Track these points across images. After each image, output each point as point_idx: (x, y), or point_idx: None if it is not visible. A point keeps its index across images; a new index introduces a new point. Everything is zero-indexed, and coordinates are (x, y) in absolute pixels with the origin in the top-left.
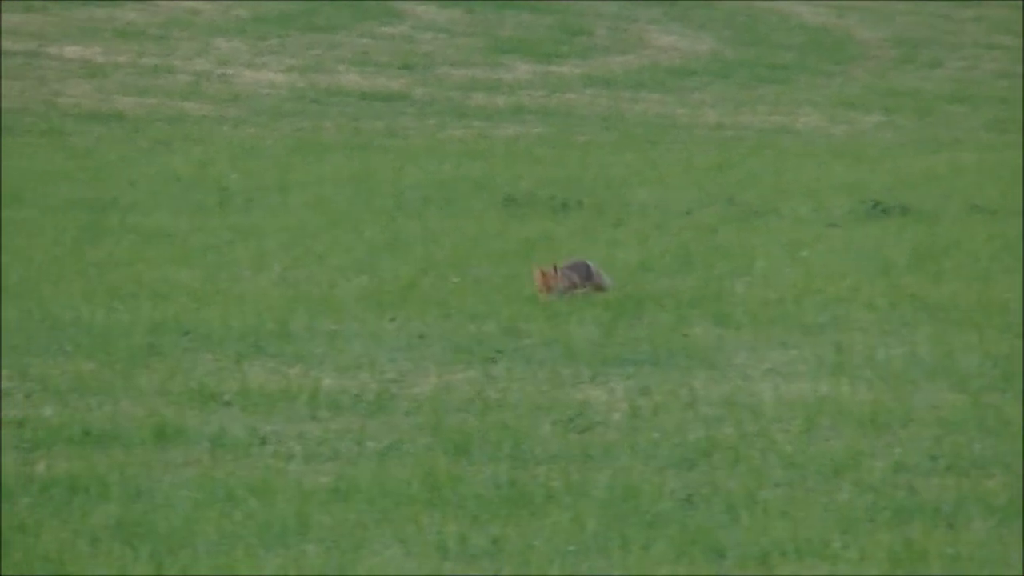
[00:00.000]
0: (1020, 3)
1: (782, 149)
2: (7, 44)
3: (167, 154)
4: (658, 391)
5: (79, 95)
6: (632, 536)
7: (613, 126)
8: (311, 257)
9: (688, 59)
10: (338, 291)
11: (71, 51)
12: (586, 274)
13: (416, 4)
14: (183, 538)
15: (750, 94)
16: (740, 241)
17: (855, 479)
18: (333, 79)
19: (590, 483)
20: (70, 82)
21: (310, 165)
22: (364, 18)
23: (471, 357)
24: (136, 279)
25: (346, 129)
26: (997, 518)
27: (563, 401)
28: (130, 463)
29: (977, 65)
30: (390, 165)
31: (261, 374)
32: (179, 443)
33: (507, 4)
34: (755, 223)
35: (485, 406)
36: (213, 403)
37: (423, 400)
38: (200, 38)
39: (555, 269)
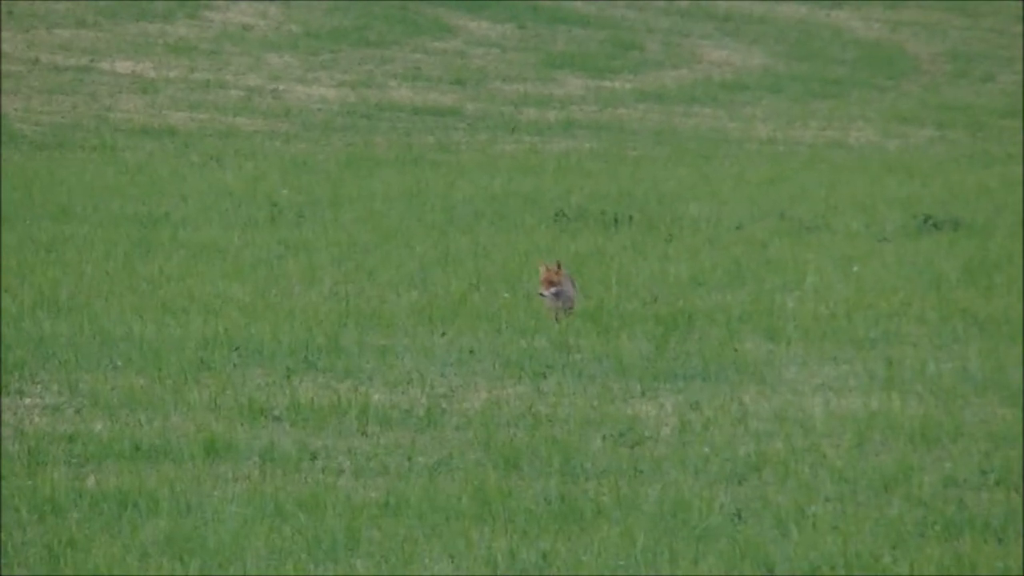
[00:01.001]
0: None
1: (834, 164)
2: (59, 59)
3: (218, 169)
4: (708, 406)
5: (131, 110)
6: (682, 550)
7: (665, 140)
8: (362, 272)
9: (740, 74)
10: (389, 306)
11: (123, 66)
12: (574, 289)
13: (468, 19)
14: (233, 553)
15: (803, 109)
16: (792, 255)
17: (905, 493)
18: (385, 94)
19: (640, 497)
20: (122, 97)
21: (361, 180)
22: (416, 33)
23: (522, 372)
24: (187, 294)
25: (398, 144)
26: None
27: (613, 416)
28: (180, 478)
29: None
30: (441, 180)
31: (311, 389)
32: (229, 458)
33: (559, 19)
34: (807, 238)
35: (535, 421)
36: (263, 418)
37: (473, 415)
38: (252, 53)
39: (559, 267)
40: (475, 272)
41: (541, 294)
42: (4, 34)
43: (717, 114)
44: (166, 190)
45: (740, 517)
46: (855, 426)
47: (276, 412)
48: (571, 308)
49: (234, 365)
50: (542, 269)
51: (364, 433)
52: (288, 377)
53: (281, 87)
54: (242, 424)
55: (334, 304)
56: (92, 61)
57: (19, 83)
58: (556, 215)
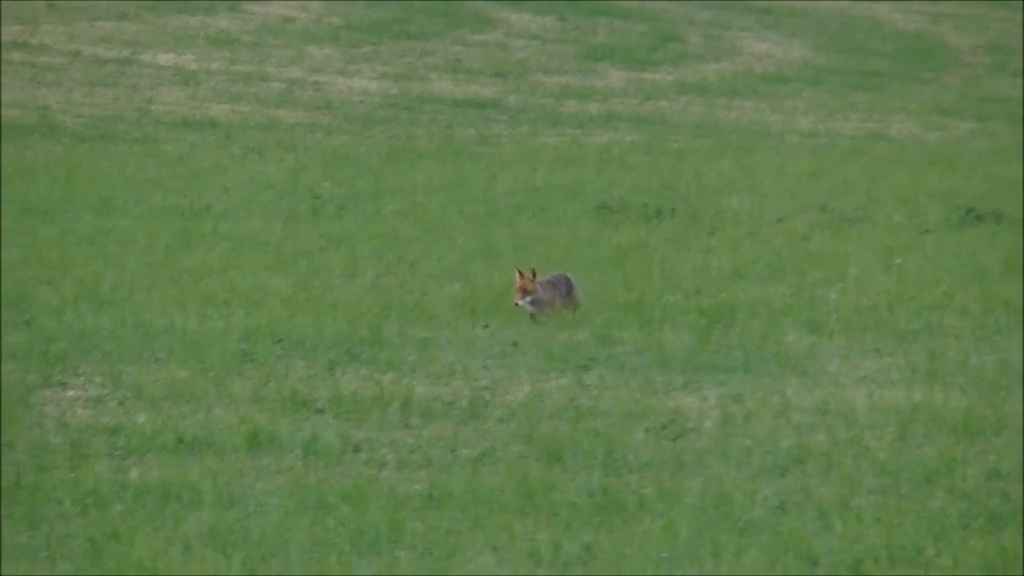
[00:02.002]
0: None
1: (875, 156)
2: (100, 51)
3: (260, 161)
4: (750, 398)
5: (172, 102)
6: (724, 543)
7: (706, 133)
8: (403, 264)
9: (781, 66)
10: (431, 298)
11: (164, 58)
12: (566, 289)
13: (509, 12)
14: (276, 545)
15: (843, 101)
16: (833, 248)
17: (948, 486)
18: (426, 86)
19: (682, 490)
20: (163, 89)
21: (403, 172)
22: (457, 25)
23: (564, 365)
24: (229, 286)
25: (439, 137)
26: None
27: (656, 408)
28: (223, 470)
29: None
30: (483, 172)
31: (354, 381)
32: (272, 450)
33: (600, 11)
34: (848, 230)
35: (578, 413)
36: (306, 410)
37: (516, 408)
38: (293, 46)
39: (533, 275)
40: (517, 264)
41: (516, 303)
42: (45, 27)
43: (758, 106)
44: (208, 182)
45: (783, 509)
46: (898, 418)
47: (319, 404)
48: (566, 307)
49: (277, 357)
50: (516, 278)
51: (407, 425)
52: (331, 369)
53: (322, 79)
54: (285, 416)
55: (376, 296)
56: (134, 53)
57: (61, 76)
58: (598, 208)
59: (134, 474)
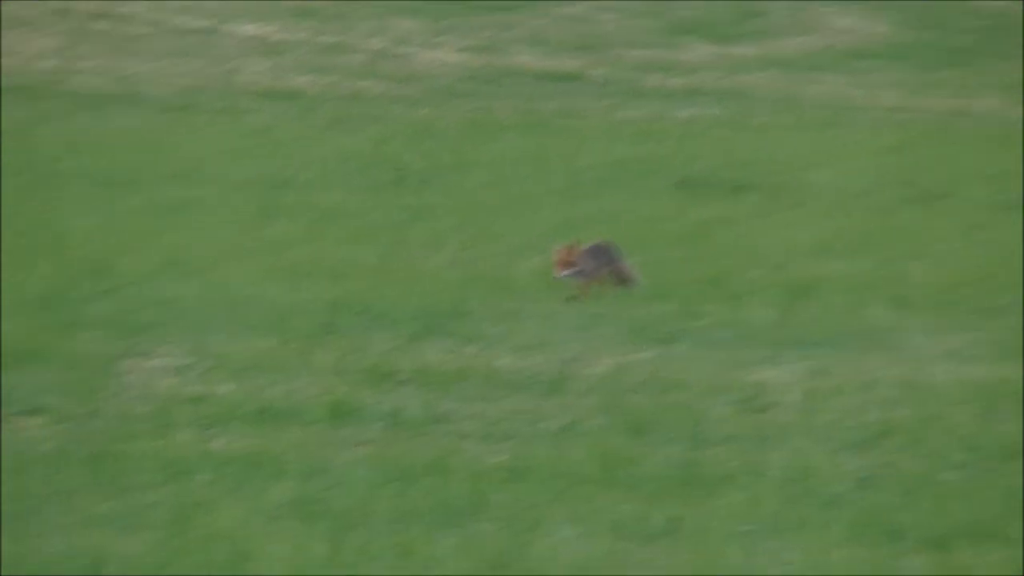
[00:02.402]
0: None
1: (959, 132)
2: (185, 21)
3: (343, 133)
4: (835, 373)
5: (256, 73)
6: (808, 517)
7: (789, 108)
8: (487, 237)
9: (865, 41)
10: (514, 271)
11: (248, 29)
12: (607, 259)
13: None
14: (359, 516)
15: (927, 77)
16: (917, 223)
17: None
18: (509, 59)
19: (766, 464)
20: (247, 60)
21: (485, 145)
22: None
23: (648, 338)
24: (313, 258)
25: (521, 109)
26: None
27: (739, 382)
28: (306, 441)
29: None
30: (565, 146)
31: (437, 353)
32: (355, 421)
33: None
34: (932, 205)
35: (661, 387)
36: (389, 382)
37: (599, 381)
38: (377, 17)
39: (576, 244)
40: (600, 238)
41: (557, 277)
42: None
43: (842, 81)
44: (291, 153)
45: (867, 484)
46: (982, 394)
47: (402, 376)
48: (616, 280)
49: (360, 328)
50: (554, 253)
51: (490, 398)
52: (414, 341)
53: (406, 51)
54: (368, 388)
55: (459, 268)
56: (218, 24)
57: (145, 45)
58: (680, 182)
59: (218, 444)
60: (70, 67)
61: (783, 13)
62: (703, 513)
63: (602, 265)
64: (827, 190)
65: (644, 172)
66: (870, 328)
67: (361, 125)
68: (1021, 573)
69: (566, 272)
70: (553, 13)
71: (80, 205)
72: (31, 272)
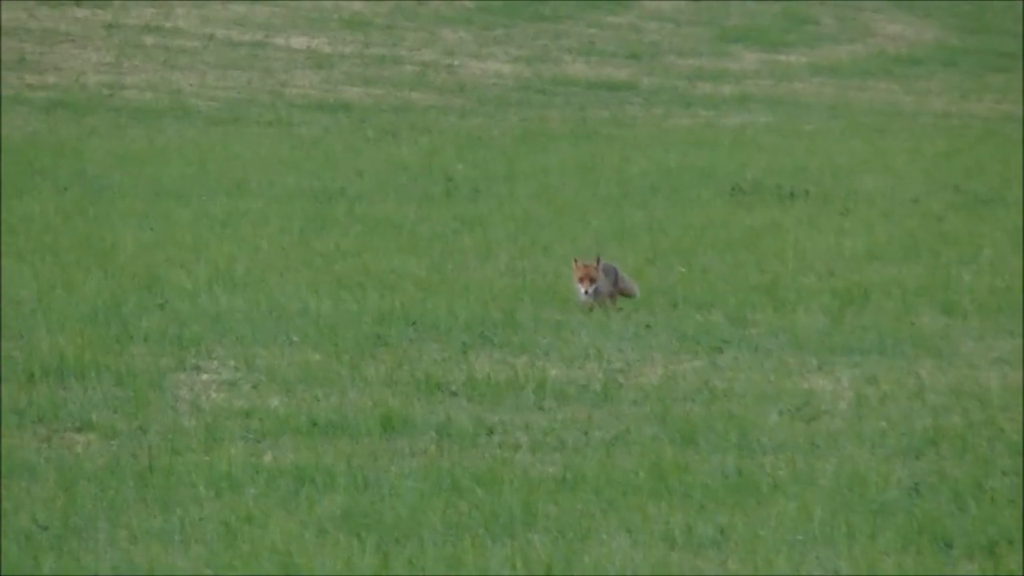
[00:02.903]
0: None
1: (1009, 137)
2: (234, 34)
3: (393, 144)
4: (885, 380)
5: (306, 85)
6: (859, 525)
7: (839, 114)
8: (537, 247)
9: (914, 47)
10: (564, 281)
11: (298, 41)
12: (615, 279)
13: None
14: (410, 528)
15: (977, 82)
16: (967, 229)
17: None
18: (559, 69)
19: (816, 472)
20: (297, 72)
21: (536, 155)
22: (591, 7)
23: (698, 347)
24: (363, 269)
25: (572, 119)
26: None
27: (790, 390)
28: (357, 453)
29: None
30: (616, 154)
31: (487, 364)
32: (406, 433)
33: None
34: (982, 211)
35: (712, 395)
36: (439, 393)
37: (650, 390)
38: (426, 28)
39: (598, 262)
40: (650, 246)
41: (585, 293)
42: (179, 10)
43: (891, 88)
44: (341, 165)
45: (917, 491)
46: None
47: (453, 387)
48: (619, 294)
49: (410, 340)
50: (574, 266)
51: (541, 408)
52: (464, 352)
53: (455, 62)
54: (419, 399)
55: (510, 279)
56: (267, 36)
57: (194, 59)
58: (731, 189)
59: (268, 457)
60: (120, 81)
61: (833, 20)
62: (753, 522)
63: (611, 284)
64: (877, 196)
65: (695, 180)
66: (920, 335)
67: (412, 136)
68: None
69: (591, 288)
70: (604, 22)
71: (130, 219)
72: (82, 286)
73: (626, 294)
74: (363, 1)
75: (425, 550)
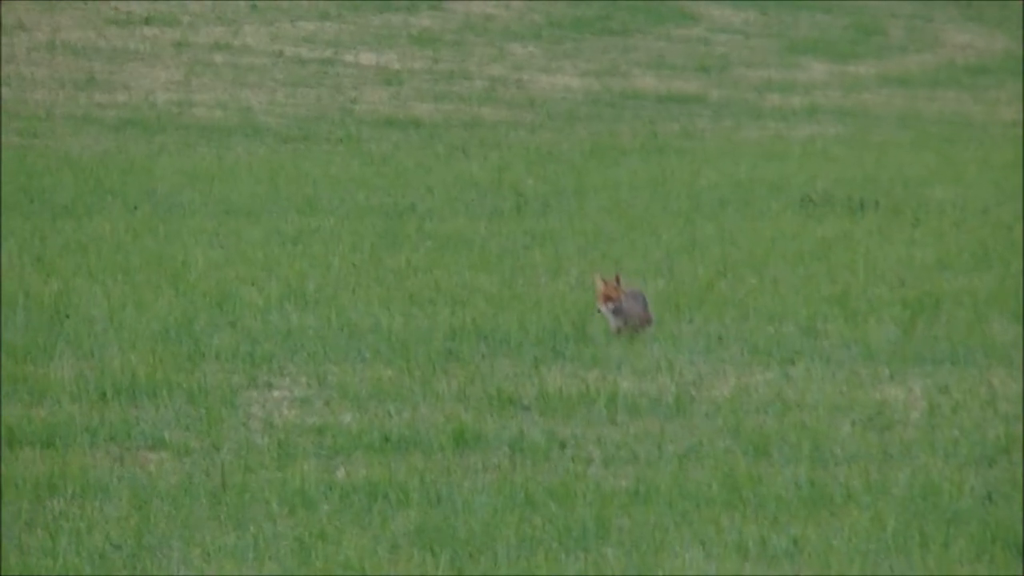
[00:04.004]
0: None
1: None
2: (303, 52)
3: (463, 160)
4: (957, 389)
5: (375, 101)
6: (932, 534)
7: (909, 125)
8: (608, 261)
9: (984, 57)
10: None
11: (367, 58)
12: (643, 306)
13: (711, 6)
14: (483, 543)
15: None
16: None
17: None
18: (628, 82)
19: (890, 482)
20: (366, 89)
21: (606, 169)
22: (659, 21)
23: (769, 358)
24: (434, 285)
25: (642, 132)
26: None
27: (862, 401)
28: (430, 469)
29: None
30: (686, 167)
31: (559, 378)
32: (478, 448)
33: (802, 5)
34: None
35: (784, 407)
36: (512, 407)
37: (722, 402)
38: (495, 43)
39: (617, 281)
40: (721, 259)
41: (598, 310)
42: (248, 27)
43: (961, 98)
44: (412, 181)
45: (991, 500)
46: None
47: (525, 401)
48: (641, 326)
49: (482, 355)
50: (598, 282)
51: (613, 422)
52: (536, 367)
53: (525, 77)
54: (491, 414)
55: (580, 293)
56: (336, 53)
57: (264, 76)
58: (802, 201)
59: (341, 473)
60: (189, 99)
61: (902, 31)
62: (827, 532)
63: (636, 311)
64: (947, 206)
65: (765, 191)
66: (991, 343)
67: (481, 152)
68: None
69: (608, 306)
70: (673, 35)
71: (201, 236)
72: (153, 304)
73: (648, 324)
74: (432, 17)
75: (499, 565)
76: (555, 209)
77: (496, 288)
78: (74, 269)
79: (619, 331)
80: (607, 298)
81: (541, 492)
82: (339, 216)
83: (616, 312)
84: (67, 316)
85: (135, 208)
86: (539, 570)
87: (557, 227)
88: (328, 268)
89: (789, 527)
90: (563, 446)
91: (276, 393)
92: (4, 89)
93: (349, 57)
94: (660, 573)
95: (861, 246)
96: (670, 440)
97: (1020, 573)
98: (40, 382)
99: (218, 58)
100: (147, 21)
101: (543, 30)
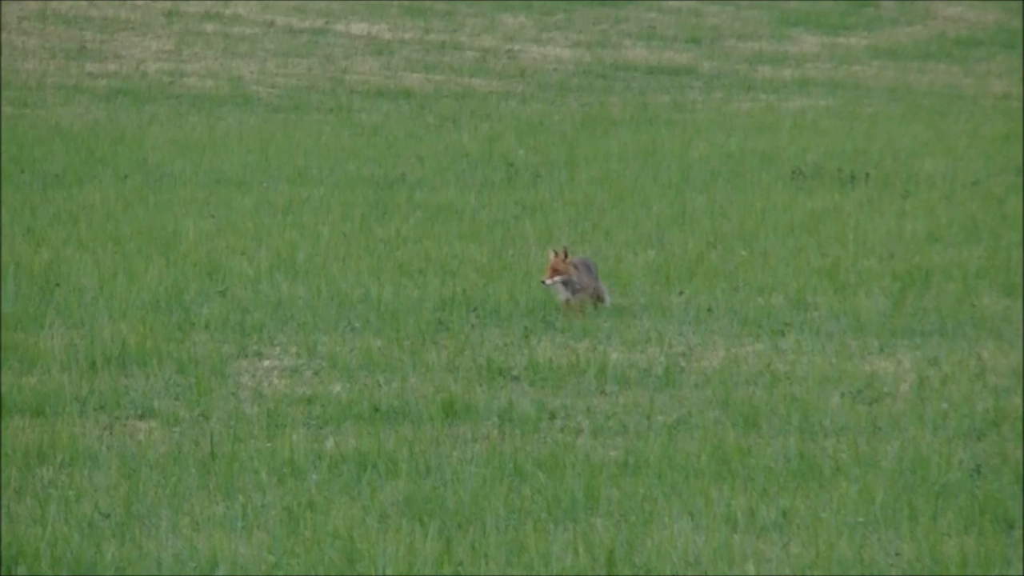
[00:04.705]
0: None
1: None
2: (294, 22)
3: (454, 130)
4: (946, 362)
5: (366, 72)
6: (921, 507)
7: (900, 97)
8: (598, 232)
9: (975, 29)
10: (625, 265)
11: (358, 28)
12: (592, 276)
13: None
14: (472, 513)
15: None
16: None
17: None
18: (619, 53)
19: (878, 454)
20: (357, 59)
21: (597, 140)
22: None
23: (759, 330)
24: (424, 255)
25: (633, 104)
26: None
27: (851, 373)
28: (419, 439)
29: None
30: (677, 139)
31: (549, 349)
32: (468, 419)
33: None
34: None
35: (773, 379)
36: (501, 378)
37: (712, 373)
38: (486, 14)
39: (566, 254)
40: (712, 230)
41: (543, 282)
42: None
43: (952, 70)
44: (402, 151)
45: (979, 472)
46: None
47: (514, 372)
48: (596, 297)
49: (472, 326)
50: (550, 255)
51: (603, 392)
52: (526, 337)
53: (516, 48)
54: (480, 384)
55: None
56: (327, 23)
57: (254, 46)
58: (792, 173)
59: (330, 443)
60: (180, 69)
61: (893, 3)
62: (816, 504)
63: (588, 282)
64: (937, 179)
65: (756, 164)
66: (982, 316)
67: (472, 122)
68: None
69: (554, 279)
70: (664, 7)
71: (191, 206)
72: (143, 274)
73: (600, 298)
74: None
75: (487, 535)
76: (545, 180)
77: (486, 258)
78: (65, 239)
79: (567, 302)
80: (554, 271)
81: (530, 463)
82: (329, 186)
83: (566, 284)
84: (57, 285)
85: (126, 178)
86: (528, 540)
87: (547, 198)
88: (318, 238)
89: (778, 499)
90: (552, 417)
91: (266, 363)
92: None
93: (340, 27)
94: (649, 544)
95: (851, 218)
96: (659, 411)
97: (1008, 545)
98: (30, 351)
99: (209, 28)
100: None
101: (534, 1)
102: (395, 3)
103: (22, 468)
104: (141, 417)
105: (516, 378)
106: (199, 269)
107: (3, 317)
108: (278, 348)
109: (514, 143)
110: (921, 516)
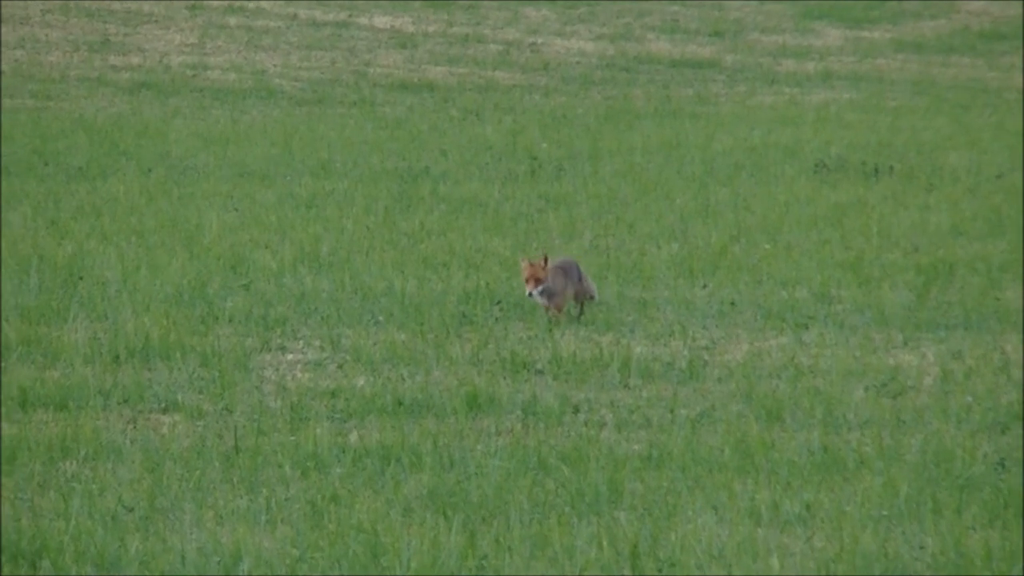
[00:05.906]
0: None
1: None
2: (317, 15)
3: (477, 123)
4: (970, 355)
5: (389, 65)
6: (944, 500)
7: (923, 91)
8: (622, 225)
9: (998, 23)
10: (649, 259)
11: (381, 21)
12: (577, 276)
13: None
14: (496, 507)
15: None
16: None
17: None
18: (643, 47)
19: (902, 448)
20: (380, 52)
21: (620, 133)
22: None
23: (783, 324)
24: (448, 248)
25: (656, 97)
26: None
27: (875, 366)
28: (442, 432)
29: None
30: (700, 132)
31: (572, 342)
32: (491, 412)
33: None
34: None
35: (797, 372)
36: (525, 372)
37: (735, 367)
38: (510, 7)
39: (545, 261)
40: (735, 224)
41: (530, 294)
42: None
43: (975, 63)
44: (426, 145)
45: (1003, 466)
46: None
47: (538, 366)
48: (586, 295)
49: (495, 319)
50: (524, 264)
51: (626, 386)
52: (549, 330)
53: (539, 41)
54: (504, 378)
55: (595, 257)
56: (350, 16)
57: (278, 39)
58: (816, 166)
59: (354, 437)
60: (203, 62)
61: None
62: (839, 498)
63: (568, 285)
64: (961, 172)
65: (779, 157)
66: (1005, 310)
67: (495, 115)
68: None
69: (538, 289)
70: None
71: (215, 199)
72: (167, 267)
73: (587, 296)
74: None
75: (511, 528)
76: (569, 173)
77: (510, 252)
78: (88, 232)
79: (547, 310)
80: (535, 280)
81: (554, 456)
82: (353, 179)
83: (545, 293)
84: (80, 278)
85: (149, 171)
86: (551, 533)
87: (571, 191)
88: (342, 231)
89: (802, 492)
90: (576, 410)
91: (289, 356)
92: (18, 52)
93: (363, 20)
94: (672, 537)
95: (875, 212)
96: (683, 405)
97: None
98: (53, 344)
99: (232, 21)
100: None
101: None
102: None
103: (45, 462)
104: (165, 411)
105: (540, 371)
106: (222, 262)
107: (26, 310)
108: (301, 341)
109: (537, 136)
110: (945, 510)
